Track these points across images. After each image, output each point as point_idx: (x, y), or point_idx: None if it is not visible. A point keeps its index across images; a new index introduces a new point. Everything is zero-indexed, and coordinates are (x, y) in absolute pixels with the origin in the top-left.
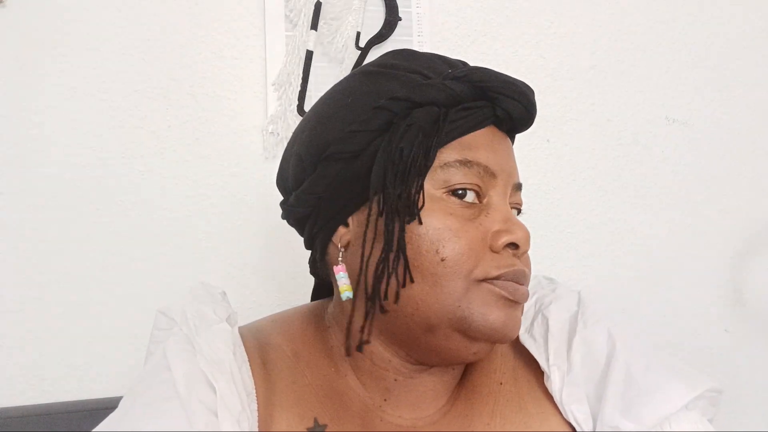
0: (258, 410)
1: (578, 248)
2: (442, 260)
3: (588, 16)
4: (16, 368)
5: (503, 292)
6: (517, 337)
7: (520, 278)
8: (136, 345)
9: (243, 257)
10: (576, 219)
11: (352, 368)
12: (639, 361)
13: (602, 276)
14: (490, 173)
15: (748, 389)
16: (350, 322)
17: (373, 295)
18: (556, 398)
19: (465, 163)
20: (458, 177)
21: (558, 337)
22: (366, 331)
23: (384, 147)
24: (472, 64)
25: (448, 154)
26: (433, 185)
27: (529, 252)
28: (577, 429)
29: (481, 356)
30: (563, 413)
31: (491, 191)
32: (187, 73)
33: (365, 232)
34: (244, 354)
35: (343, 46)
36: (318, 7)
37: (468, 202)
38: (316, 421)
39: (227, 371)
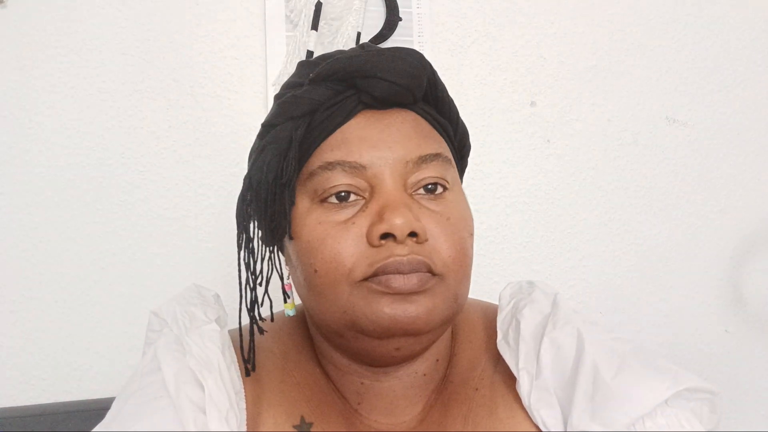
0: (246, 408)
1: (578, 248)
2: (315, 272)
3: (588, 16)
4: (16, 368)
5: (381, 288)
6: None
7: (404, 267)
8: (135, 345)
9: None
10: (576, 219)
11: (328, 372)
12: (610, 362)
13: (602, 276)
14: (358, 167)
15: (748, 389)
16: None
17: (251, 317)
18: (525, 403)
19: (326, 167)
20: (323, 183)
21: (529, 340)
22: (247, 350)
23: (250, 175)
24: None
25: (312, 162)
26: (307, 198)
27: (530, 252)
28: None
29: (409, 351)
30: (532, 418)
31: (372, 182)
32: (187, 73)
33: (240, 260)
34: (234, 354)
35: (343, 46)
36: (318, 8)
37: (348, 203)
38: (302, 419)
39: (216, 370)
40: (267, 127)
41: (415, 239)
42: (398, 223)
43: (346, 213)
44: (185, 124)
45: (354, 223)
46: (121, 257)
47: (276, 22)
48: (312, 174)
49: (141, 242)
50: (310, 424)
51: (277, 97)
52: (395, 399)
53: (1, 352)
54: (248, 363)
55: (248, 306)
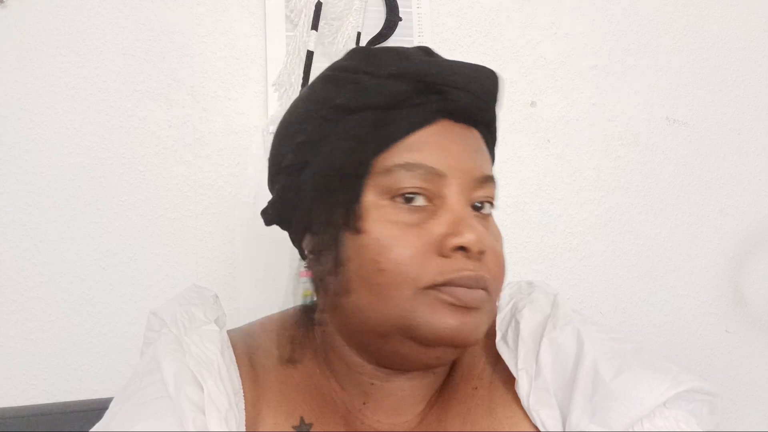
0: (245, 409)
1: (578, 248)
2: (382, 270)
3: (588, 16)
4: (16, 368)
5: (449, 299)
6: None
7: (471, 282)
8: (135, 345)
9: (243, 257)
10: (576, 219)
11: (332, 372)
12: (610, 362)
13: (602, 276)
14: (437, 174)
15: (748, 389)
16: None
17: (307, 308)
18: (524, 403)
19: (405, 166)
20: (401, 182)
21: (528, 341)
22: (297, 348)
23: (318, 160)
24: (488, 67)
25: (389, 158)
26: (376, 192)
27: (530, 252)
28: None
29: (447, 360)
30: (531, 418)
31: (444, 191)
32: (187, 73)
33: (312, 246)
34: (233, 355)
35: (343, 46)
36: (319, 8)
37: (417, 206)
38: (302, 419)
39: (215, 370)
40: (341, 109)
41: (478, 256)
42: (473, 238)
43: (417, 217)
44: (185, 124)
45: (425, 229)
46: (121, 257)
47: (276, 22)
48: (388, 170)
49: (141, 242)
50: (310, 425)
51: (334, 79)
52: (403, 398)
53: (1, 352)
54: (285, 355)
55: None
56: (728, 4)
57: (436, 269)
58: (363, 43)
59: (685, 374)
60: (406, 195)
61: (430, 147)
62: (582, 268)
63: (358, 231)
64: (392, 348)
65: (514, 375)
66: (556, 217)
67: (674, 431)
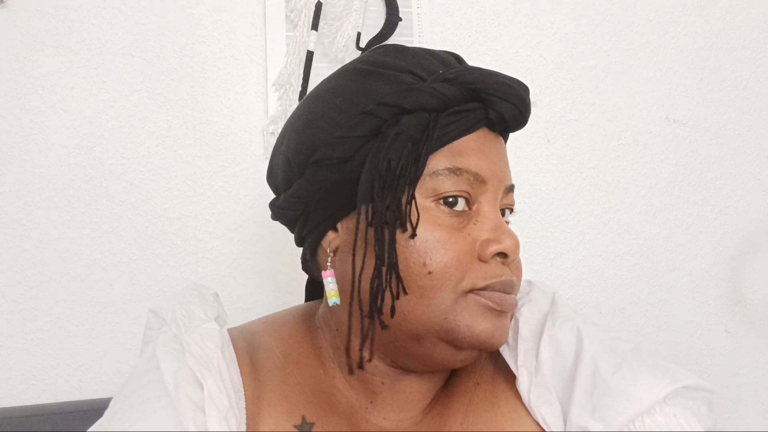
0: (246, 408)
1: (578, 248)
2: (429, 273)
3: (588, 16)
4: (16, 368)
5: (490, 303)
6: None
7: (508, 288)
8: (135, 345)
9: (243, 257)
10: (576, 219)
11: (341, 371)
12: (609, 359)
13: (602, 276)
14: (480, 180)
15: (748, 389)
16: (348, 340)
17: (371, 312)
18: (525, 399)
19: (454, 170)
20: (447, 185)
21: (528, 338)
22: (367, 349)
23: (372, 157)
24: (472, 64)
25: (437, 161)
26: (421, 194)
27: (530, 252)
28: (546, 430)
29: (468, 362)
30: (532, 414)
31: (481, 197)
32: (187, 73)
33: (355, 243)
34: (233, 353)
35: (343, 46)
36: (319, 8)
37: (457, 211)
38: (303, 419)
39: (215, 369)
40: (393, 107)
41: (511, 261)
42: (512, 245)
43: (459, 221)
44: (185, 124)
45: (470, 234)
46: (121, 257)
47: (276, 22)
48: (436, 173)
49: (141, 242)
50: (312, 424)
51: (373, 74)
52: (411, 395)
53: (1, 352)
54: (356, 361)
55: (370, 299)
56: (728, 4)
57: (477, 274)
58: (363, 43)
59: (683, 372)
60: (448, 199)
61: (475, 153)
62: (582, 268)
63: (408, 231)
64: (425, 350)
65: (515, 372)
66: (556, 217)
67: (674, 427)
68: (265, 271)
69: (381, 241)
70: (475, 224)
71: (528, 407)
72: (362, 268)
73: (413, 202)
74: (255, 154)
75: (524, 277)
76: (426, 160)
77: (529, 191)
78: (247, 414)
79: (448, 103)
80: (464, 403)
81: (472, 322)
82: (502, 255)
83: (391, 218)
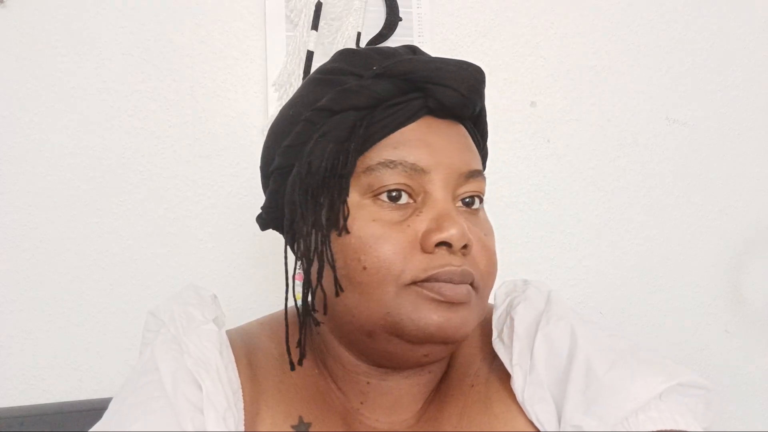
0: (244, 408)
1: (578, 248)
2: (365, 269)
3: (588, 16)
4: (16, 368)
5: (432, 294)
6: None
7: (456, 277)
8: (135, 345)
9: (243, 258)
10: (576, 219)
11: (329, 372)
12: (604, 357)
13: (602, 276)
14: (418, 170)
15: (748, 389)
16: (287, 336)
17: (304, 309)
18: (519, 398)
19: (387, 164)
20: (381, 180)
21: (523, 337)
22: (302, 345)
23: (297, 161)
24: (472, 63)
25: (371, 157)
26: (358, 191)
27: (530, 252)
28: (540, 429)
29: (437, 357)
30: (526, 413)
31: (427, 187)
32: (187, 73)
33: (285, 247)
34: (231, 354)
35: (343, 46)
36: (319, 8)
37: (400, 204)
38: (301, 419)
39: (213, 370)
40: (324, 111)
41: (463, 251)
42: (456, 233)
43: (400, 214)
44: (185, 124)
45: (409, 226)
46: (121, 257)
47: (276, 22)
48: (369, 169)
49: (141, 242)
50: (309, 424)
51: (321, 81)
52: (400, 396)
53: (1, 352)
54: (294, 356)
55: (302, 297)
56: (728, 4)
57: (418, 265)
58: (363, 43)
59: (679, 368)
60: (390, 193)
61: (412, 143)
62: (582, 268)
63: (342, 231)
64: (380, 346)
65: (509, 371)
66: (556, 217)
67: (668, 423)
68: (265, 271)
69: (317, 245)
70: (417, 215)
71: (522, 406)
72: (294, 269)
73: (345, 200)
74: (255, 154)
75: (523, 277)
76: (355, 158)
77: (529, 191)
78: (245, 414)
79: (379, 98)
80: (459, 406)
81: (416, 315)
82: (446, 244)
83: (318, 220)
